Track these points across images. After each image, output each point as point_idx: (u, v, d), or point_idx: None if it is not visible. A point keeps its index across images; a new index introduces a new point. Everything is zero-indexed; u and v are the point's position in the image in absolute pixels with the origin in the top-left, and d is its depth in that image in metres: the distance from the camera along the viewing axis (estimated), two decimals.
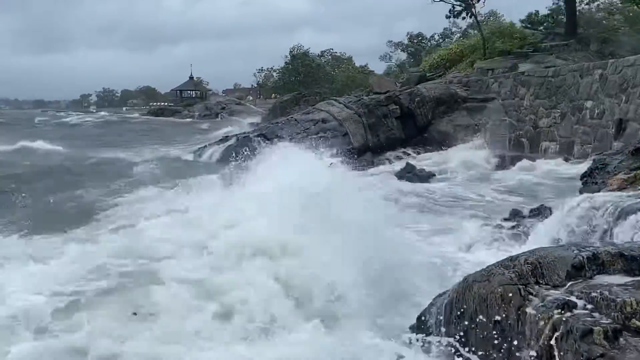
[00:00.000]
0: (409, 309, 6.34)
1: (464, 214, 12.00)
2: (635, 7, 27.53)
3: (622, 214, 7.04)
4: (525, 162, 18.60)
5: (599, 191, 9.07)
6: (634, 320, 3.90)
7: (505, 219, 10.78)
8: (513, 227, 10.20)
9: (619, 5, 30.89)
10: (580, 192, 10.49)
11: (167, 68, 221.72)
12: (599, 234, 7.14)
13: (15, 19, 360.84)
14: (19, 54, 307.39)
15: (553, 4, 34.15)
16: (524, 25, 33.75)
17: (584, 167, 11.70)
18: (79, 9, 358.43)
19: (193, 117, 66.03)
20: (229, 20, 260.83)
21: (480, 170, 18.81)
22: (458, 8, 32.98)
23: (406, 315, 6.14)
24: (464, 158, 20.29)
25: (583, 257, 4.78)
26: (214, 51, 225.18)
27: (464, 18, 34.97)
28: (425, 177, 17.87)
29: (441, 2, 33.14)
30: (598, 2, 32.91)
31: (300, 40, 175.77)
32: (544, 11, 34.86)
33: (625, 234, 6.61)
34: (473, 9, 32.82)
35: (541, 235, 8.12)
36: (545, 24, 33.63)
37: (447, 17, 34.32)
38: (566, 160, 17.87)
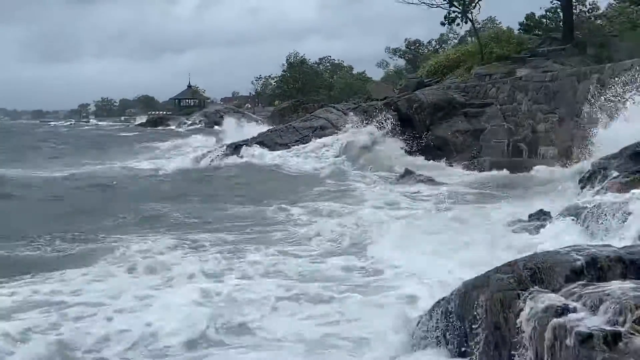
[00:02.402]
0: None
1: None
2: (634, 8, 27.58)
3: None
4: None
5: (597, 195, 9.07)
6: (633, 325, 3.88)
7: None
8: None
9: (617, 7, 30.95)
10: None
11: (167, 77, 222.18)
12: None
13: (17, 29, 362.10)
14: (20, 65, 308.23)
15: (551, 1, 34.12)
16: (521, 28, 33.77)
17: None
18: (79, 21, 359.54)
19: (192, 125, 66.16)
20: (236, 29, 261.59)
21: None
22: (453, 15, 32.95)
23: None
24: None
25: (582, 261, 4.77)
26: (217, 60, 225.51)
27: (458, 24, 34.95)
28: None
29: (439, 8, 33.16)
30: (594, 6, 33.05)
31: (307, 48, 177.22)
32: (539, 13, 34.93)
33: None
34: (470, 15, 32.84)
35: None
36: (543, 25, 33.66)
37: (442, 24, 34.29)
38: None
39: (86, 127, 77.25)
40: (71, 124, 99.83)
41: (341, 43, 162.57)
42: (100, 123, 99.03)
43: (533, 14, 34.57)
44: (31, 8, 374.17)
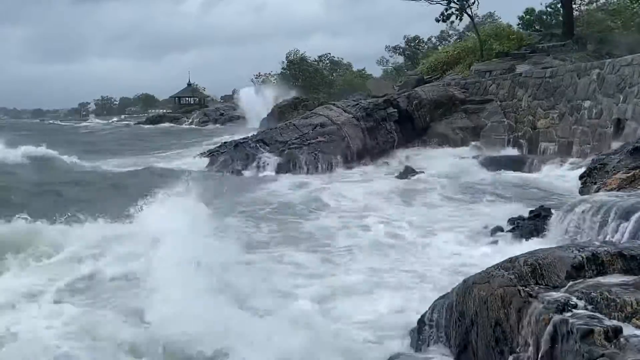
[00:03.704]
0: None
1: None
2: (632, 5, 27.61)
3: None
4: None
5: (598, 191, 9.07)
6: (634, 320, 3.89)
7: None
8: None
9: (616, 4, 30.95)
10: (580, 193, 10.51)
11: (168, 75, 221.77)
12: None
13: (19, 29, 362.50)
14: (21, 64, 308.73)
15: None
16: (521, 23, 33.79)
17: None
18: (81, 21, 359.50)
19: (192, 123, 66.16)
20: (239, 27, 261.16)
21: None
22: (449, 11, 32.91)
23: None
24: None
25: (583, 257, 4.78)
26: (221, 58, 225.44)
27: (452, 22, 34.92)
28: None
29: (439, 4, 33.13)
30: (595, 2, 33.03)
31: (311, 46, 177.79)
32: (539, 8, 34.93)
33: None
34: (469, 10, 32.82)
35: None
36: (543, 20, 33.68)
37: (437, 20, 34.16)
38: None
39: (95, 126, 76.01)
40: (74, 123, 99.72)
41: (346, 41, 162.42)
42: (100, 121, 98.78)
43: (533, 9, 34.60)
44: (34, 8, 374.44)
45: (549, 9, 34.34)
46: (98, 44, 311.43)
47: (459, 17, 33.26)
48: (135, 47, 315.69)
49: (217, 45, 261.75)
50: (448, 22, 34.66)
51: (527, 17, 34.37)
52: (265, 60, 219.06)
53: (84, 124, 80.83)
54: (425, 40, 65.86)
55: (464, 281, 5.43)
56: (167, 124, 67.46)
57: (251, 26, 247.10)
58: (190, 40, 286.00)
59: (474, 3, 32.55)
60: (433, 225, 11.23)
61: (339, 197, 14.74)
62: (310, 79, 65.24)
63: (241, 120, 57.68)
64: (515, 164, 18.96)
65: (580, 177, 10.80)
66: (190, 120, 68.78)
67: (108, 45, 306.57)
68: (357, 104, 24.50)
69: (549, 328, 4.10)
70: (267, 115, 43.75)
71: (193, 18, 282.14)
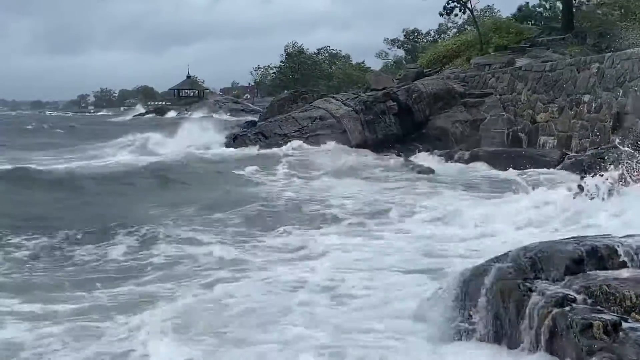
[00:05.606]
0: None
1: None
2: None
3: None
4: None
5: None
6: (633, 314, 3.88)
7: None
8: None
9: None
10: (578, 186, 10.49)
11: (169, 68, 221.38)
12: None
13: (22, 21, 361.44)
14: (20, 56, 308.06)
15: None
16: (515, 18, 33.79)
17: None
18: (82, 13, 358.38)
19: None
20: (243, 20, 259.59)
21: None
22: (451, 5, 32.94)
23: None
24: None
25: (582, 251, 4.76)
26: (224, 51, 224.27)
27: (456, 15, 35.02)
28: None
29: None
30: None
31: (317, 39, 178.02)
32: (534, 2, 34.95)
33: None
34: (469, 4, 32.78)
35: None
36: (535, 14, 33.70)
37: (441, 14, 34.32)
38: None
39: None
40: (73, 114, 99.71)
41: (352, 34, 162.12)
42: (99, 113, 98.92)
43: (527, 2, 34.64)
44: (35, 0, 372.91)
45: (543, 2, 34.34)
46: (100, 37, 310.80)
47: (462, 10, 33.31)
48: (138, 40, 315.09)
49: (221, 38, 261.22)
50: (452, 15, 34.81)
51: (520, 13, 34.42)
52: (269, 53, 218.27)
53: (114, 119, 77.40)
54: (424, 33, 65.78)
55: (461, 274, 5.38)
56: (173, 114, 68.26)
57: (256, 19, 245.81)
58: (194, 33, 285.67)
59: None
60: None
61: None
62: (309, 72, 65.19)
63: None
64: None
65: (581, 171, 10.80)
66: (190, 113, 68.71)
67: (110, 38, 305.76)
68: (357, 97, 24.46)
69: (548, 322, 4.09)
70: (266, 107, 43.71)
71: (198, 11, 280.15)
